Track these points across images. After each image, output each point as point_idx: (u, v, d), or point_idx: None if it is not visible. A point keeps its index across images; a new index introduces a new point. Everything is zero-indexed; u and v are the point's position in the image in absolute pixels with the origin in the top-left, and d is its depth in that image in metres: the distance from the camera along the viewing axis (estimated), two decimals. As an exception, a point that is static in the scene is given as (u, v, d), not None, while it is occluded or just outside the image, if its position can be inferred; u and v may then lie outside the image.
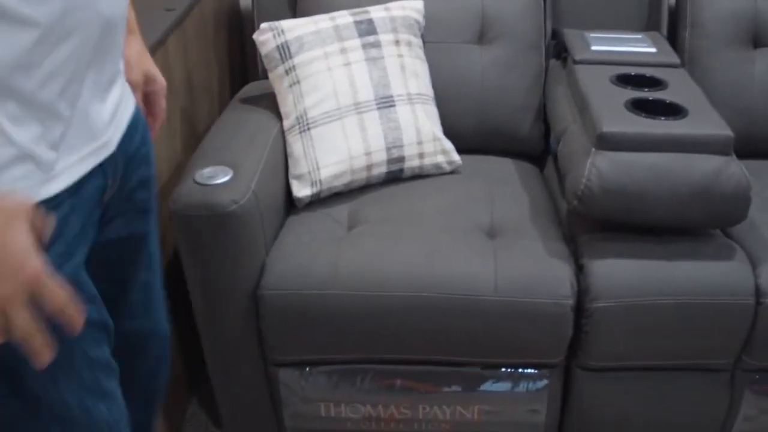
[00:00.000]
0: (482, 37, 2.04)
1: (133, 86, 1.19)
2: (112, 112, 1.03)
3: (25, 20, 0.82)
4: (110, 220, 1.10)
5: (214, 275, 1.60)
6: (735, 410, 1.76)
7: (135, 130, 1.11)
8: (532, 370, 1.70)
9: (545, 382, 1.71)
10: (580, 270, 1.64)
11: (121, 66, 1.08)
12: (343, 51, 1.82)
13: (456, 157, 1.92)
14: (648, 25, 2.19)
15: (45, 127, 0.88)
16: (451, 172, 1.94)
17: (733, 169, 1.58)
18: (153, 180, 1.19)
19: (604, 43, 2.00)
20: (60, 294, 0.83)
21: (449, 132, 1.95)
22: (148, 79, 1.25)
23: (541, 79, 2.07)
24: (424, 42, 1.98)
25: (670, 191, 1.56)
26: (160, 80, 1.27)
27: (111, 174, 1.03)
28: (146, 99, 1.26)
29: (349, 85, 1.81)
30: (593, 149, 1.60)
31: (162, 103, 1.28)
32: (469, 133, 2.03)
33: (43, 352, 0.84)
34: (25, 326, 0.82)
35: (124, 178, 1.09)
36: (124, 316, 1.19)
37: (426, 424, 1.78)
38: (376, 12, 1.88)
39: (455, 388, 1.72)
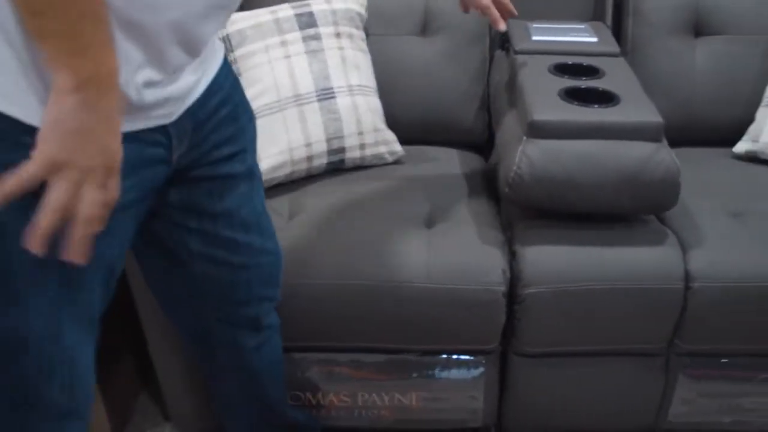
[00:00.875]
0: (425, 29, 2.06)
1: None
2: (190, 85, 1.11)
3: None
4: (187, 171, 1.19)
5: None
6: (670, 394, 1.79)
7: (213, 95, 1.18)
8: (468, 357, 1.72)
9: (481, 369, 1.74)
10: (513, 257, 1.67)
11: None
12: (283, 44, 1.84)
13: (398, 147, 1.95)
14: (594, 15, 2.21)
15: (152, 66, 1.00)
16: (394, 163, 1.96)
17: (663, 156, 1.61)
18: (243, 131, 1.27)
19: (546, 33, 2.02)
20: (114, 195, 0.95)
21: (393, 123, 1.97)
22: None
23: (485, 70, 2.09)
24: (367, 34, 2.00)
25: (599, 178, 1.58)
26: None
27: (177, 134, 1.11)
28: None
29: (290, 78, 1.82)
30: (524, 137, 1.62)
31: None
32: (414, 123, 2.05)
33: (82, 246, 0.93)
34: (90, 207, 0.92)
35: (197, 138, 1.17)
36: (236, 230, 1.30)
37: (366, 411, 1.81)
38: (317, 5, 1.90)
39: (393, 375, 1.74)
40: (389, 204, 1.79)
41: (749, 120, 2.03)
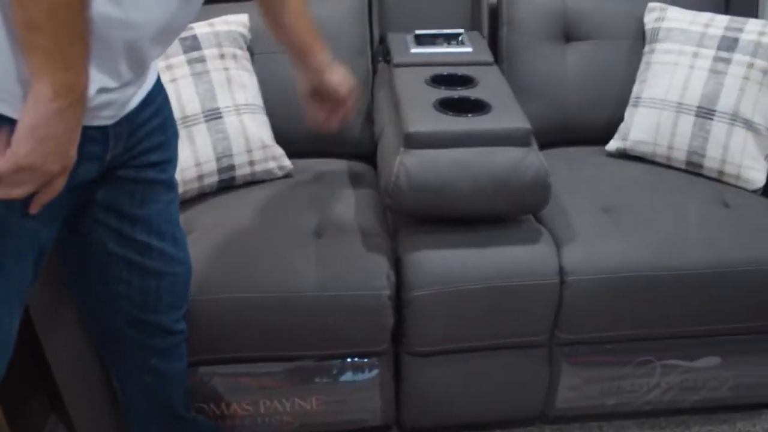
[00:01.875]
0: (309, 45, 2.13)
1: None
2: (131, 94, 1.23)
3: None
4: (116, 169, 1.30)
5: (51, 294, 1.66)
6: (555, 382, 1.90)
7: (147, 106, 1.30)
8: (363, 360, 1.80)
9: (376, 370, 1.82)
10: (399, 262, 1.75)
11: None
12: (169, 68, 1.89)
13: (287, 162, 2.01)
14: (472, 24, 2.32)
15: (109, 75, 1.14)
16: (284, 177, 2.03)
17: (532, 160, 1.71)
18: (170, 143, 1.39)
19: (424, 44, 2.12)
20: (57, 191, 1.11)
21: (282, 138, 2.04)
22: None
23: (368, 83, 2.18)
24: (252, 54, 2.06)
25: (473, 184, 1.68)
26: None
27: (114, 136, 1.22)
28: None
29: (177, 100, 1.87)
30: (402, 148, 1.71)
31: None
32: (302, 138, 2.12)
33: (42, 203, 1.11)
34: (57, 189, 1.09)
35: (132, 142, 1.28)
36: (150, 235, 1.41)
37: (269, 418, 1.87)
38: (200, 28, 1.95)
39: (293, 381, 1.81)
40: (280, 217, 1.86)
41: (619, 119, 2.16)
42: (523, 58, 2.21)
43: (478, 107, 1.80)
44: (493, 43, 2.26)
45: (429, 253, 1.73)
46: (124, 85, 1.18)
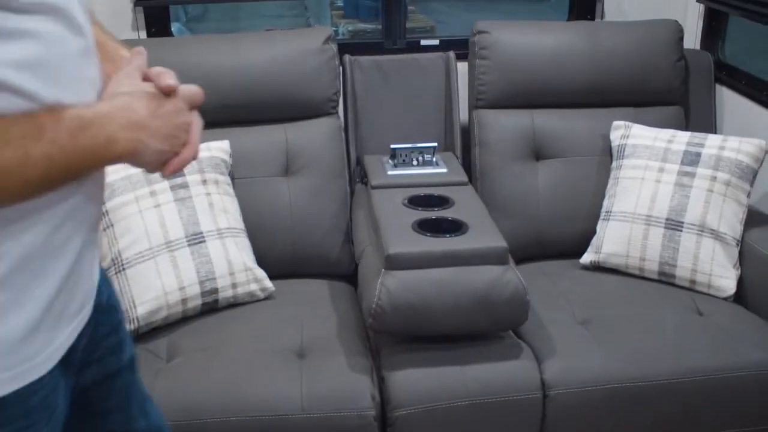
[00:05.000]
0: (288, 169, 2.21)
1: None
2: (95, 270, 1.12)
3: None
4: (86, 367, 1.15)
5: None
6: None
7: (103, 282, 1.18)
8: (348, 481, 1.80)
9: (362, 490, 1.81)
10: (382, 381, 1.77)
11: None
12: (152, 194, 1.94)
13: (269, 284, 2.05)
14: (446, 146, 2.40)
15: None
16: (266, 298, 2.06)
17: (510, 277, 1.76)
18: (122, 323, 1.26)
19: (400, 166, 2.19)
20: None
21: (263, 260, 2.08)
22: None
23: (347, 204, 2.24)
24: (233, 178, 2.12)
25: (454, 303, 1.72)
26: None
27: (86, 332, 1.10)
28: None
29: (160, 226, 1.92)
30: (383, 269, 1.75)
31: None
32: (283, 259, 2.16)
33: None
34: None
35: (95, 329, 1.14)
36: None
37: None
38: (182, 155, 2.01)
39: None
40: (263, 339, 1.88)
41: (592, 232, 2.23)
42: (496, 177, 2.29)
43: (455, 227, 1.85)
44: (467, 163, 2.33)
45: (412, 372, 1.75)
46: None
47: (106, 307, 1.20)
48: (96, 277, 1.14)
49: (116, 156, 0.95)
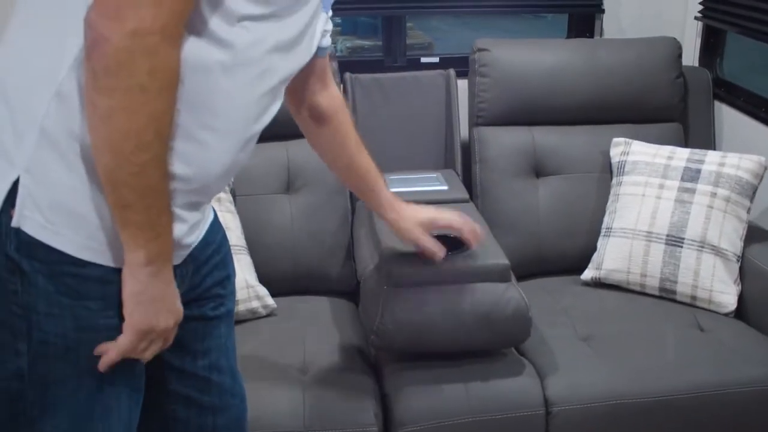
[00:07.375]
0: (289, 186, 2.21)
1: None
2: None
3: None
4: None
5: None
6: None
7: (209, 243, 1.30)
8: (352, 499, 1.79)
9: None
10: (385, 399, 1.77)
11: None
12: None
13: (270, 301, 2.05)
14: (446, 163, 2.41)
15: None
16: (267, 315, 2.06)
17: (512, 294, 1.76)
18: (230, 278, 1.40)
19: (401, 184, 2.19)
20: (169, 342, 1.16)
21: (265, 277, 2.08)
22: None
23: (348, 221, 2.25)
24: (234, 195, 2.12)
25: (456, 320, 1.72)
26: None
27: (180, 275, 1.20)
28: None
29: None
30: (385, 287, 1.75)
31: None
32: (285, 276, 2.16)
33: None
34: (151, 354, 1.14)
35: (196, 279, 1.28)
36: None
37: None
38: (184, 173, 2.01)
39: None
40: (264, 357, 1.88)
41: (592, 249, 2.23)
42: (496, 194, 2.30)
43: (457, 245, 1.85)
44: (467, 180, 2.34)
45: (415, 389, 1.75)
46: (192, 226, 1.21)
47: (212, 264, 1.33)
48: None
49: (140, 264, 1.06)
